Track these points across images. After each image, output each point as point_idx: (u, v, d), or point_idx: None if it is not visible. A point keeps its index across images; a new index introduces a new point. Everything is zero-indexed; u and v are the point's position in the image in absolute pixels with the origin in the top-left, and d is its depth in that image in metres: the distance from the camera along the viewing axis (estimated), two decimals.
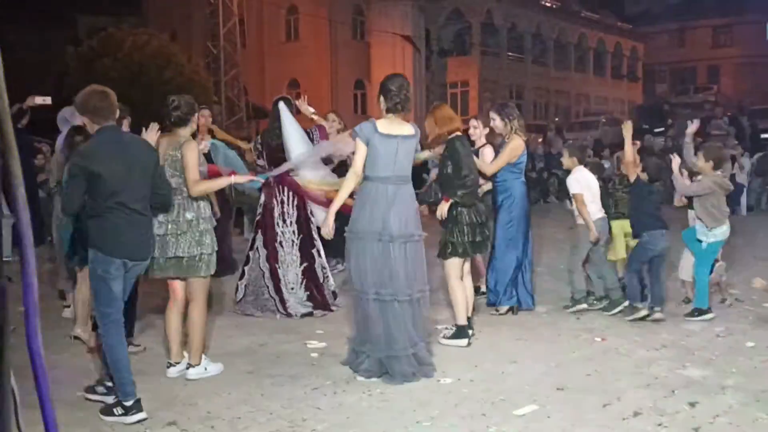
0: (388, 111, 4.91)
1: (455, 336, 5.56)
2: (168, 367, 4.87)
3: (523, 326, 6.11)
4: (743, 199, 13.51)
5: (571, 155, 6.58)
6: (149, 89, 20.39)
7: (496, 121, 6.44)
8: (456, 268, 5.54)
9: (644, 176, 6.18)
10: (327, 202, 6.40)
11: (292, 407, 4.33)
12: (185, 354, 4.88)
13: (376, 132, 4.80)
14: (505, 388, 4.65)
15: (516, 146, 6.37)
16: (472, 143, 6.73)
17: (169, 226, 4.66)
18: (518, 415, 4.19)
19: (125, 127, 5.23)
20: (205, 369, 4.84)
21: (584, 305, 6.54)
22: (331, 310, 6.57)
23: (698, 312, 6.12)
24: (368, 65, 34.14)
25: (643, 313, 6.13)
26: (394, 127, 4.88)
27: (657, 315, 6.14)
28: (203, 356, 4.88)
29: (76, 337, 5.61)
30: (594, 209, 6.37)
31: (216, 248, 4.85)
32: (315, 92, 26.63)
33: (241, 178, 5.38)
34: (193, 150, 4.73)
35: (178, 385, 4.68)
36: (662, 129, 22.33)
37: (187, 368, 4.81)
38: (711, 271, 6.28)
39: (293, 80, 33.46)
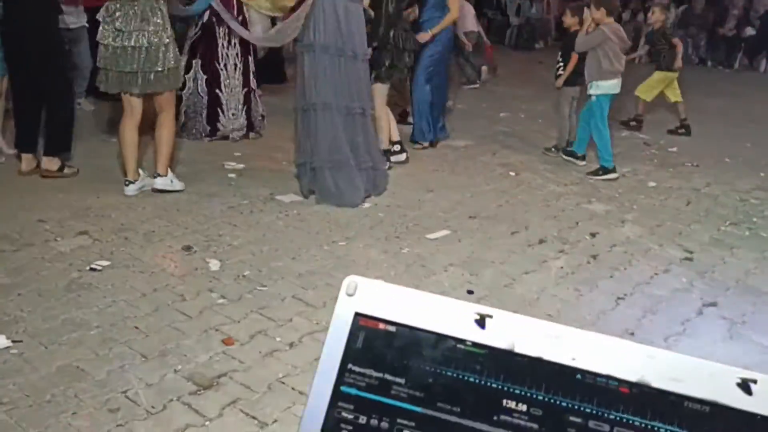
0: None
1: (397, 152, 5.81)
2: (126, 185, 4.68)
3: (442, 159, 6.20)
4: None
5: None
6: None
7: None
8: (382, 93, 5.58)
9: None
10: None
11: (208, 223, 4.34)
12: (140, 172, 4.74)
13: None
14: (420, 214, 4.78)
15: None
16: None
17: (156, 38, 4.39)
18: (431, 239, 4.35)
19: None
20: (171, 182, 4.74)
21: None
22: (260, 134, 6.44)
23: (603, 171, 5.87)
24: None
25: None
26: None
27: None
28: (170, 171, 4.75)
29: None
30: None
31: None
32: None
33: None
34: None
35: (91, 198, 4.58)
36: None
37: (155, 177, 4.70)
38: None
39: None
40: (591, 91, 5.84)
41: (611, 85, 5.80)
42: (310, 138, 4.81)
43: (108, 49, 4.42)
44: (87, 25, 6.60)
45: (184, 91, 6.18)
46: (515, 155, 6.46)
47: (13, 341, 2.89)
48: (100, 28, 4.47)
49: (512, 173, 5.90)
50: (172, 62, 4.52)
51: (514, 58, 13.24)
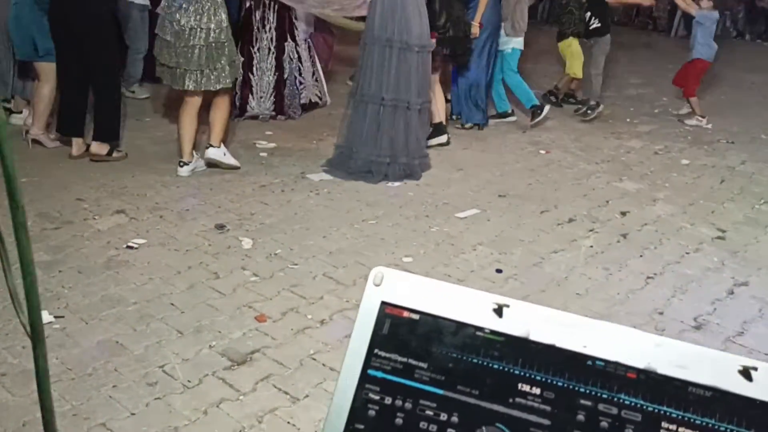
0: None
1: (435, 133, 5.73)
2: (180, 166, 4.77)
3: (472, 137, 6.19)
4: None
5: None
6: None
7: None
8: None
9: None
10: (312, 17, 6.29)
11: (241, 202, 4.41)
12: (194, 154, 4.82)
13: None
14: (449, 193, 4.80)
15: None
16: None
17: (215, 34, 4.46)
18: (460, 218, 4.38)
19: None
20: (224, 154, 4.86)
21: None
22: (292, 118, 6.40)
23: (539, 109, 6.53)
24: None
25: None
26: None
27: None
28: (222, 144, 4.87)
29: (34, 140, 5.10)
30: None
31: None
32: None
33: None
34: None
35: (127, 178, 4.68)
36: None
37: (207, 147, 4.82)
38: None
39: None
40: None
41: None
42: (351, 124, 4.99)
43: (163, 42, 4.48)
44: (150, 6, 6.29)
45: None
46: (545, 133, 6.43)
47: (55, 317, 3.01)
48: (159, 19, 4.52)
49: (542, 151, 5.88)
50: (227, 60, 4.54)
51: (545, 34, 13.06)
